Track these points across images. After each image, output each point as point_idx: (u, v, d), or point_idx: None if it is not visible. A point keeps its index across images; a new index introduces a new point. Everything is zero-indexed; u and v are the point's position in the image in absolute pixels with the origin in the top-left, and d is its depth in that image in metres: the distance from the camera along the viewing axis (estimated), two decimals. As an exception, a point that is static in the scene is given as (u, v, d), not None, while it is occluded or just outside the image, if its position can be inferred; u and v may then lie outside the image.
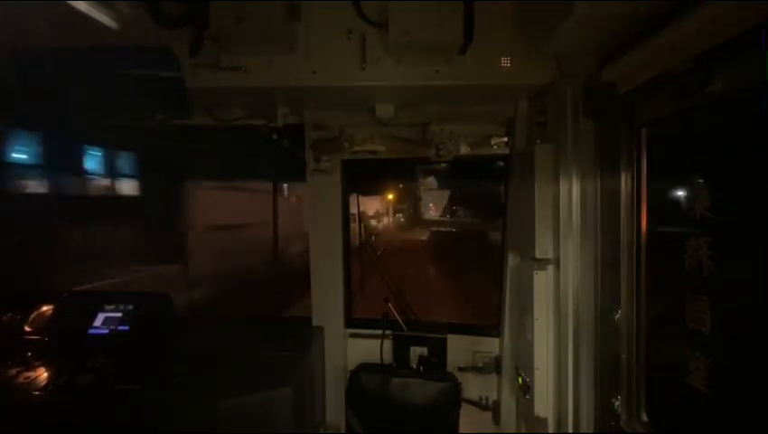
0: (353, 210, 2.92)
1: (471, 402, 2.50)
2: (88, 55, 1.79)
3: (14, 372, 1.98)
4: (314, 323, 2.51)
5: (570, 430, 1.80)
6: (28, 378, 1.93)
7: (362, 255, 3.52)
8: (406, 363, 2.52)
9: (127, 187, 7.37)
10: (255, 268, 7.50)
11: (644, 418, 1.53)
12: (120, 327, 2.28)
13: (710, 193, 1.18)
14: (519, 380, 2.11)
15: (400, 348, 2.54)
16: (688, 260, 1.25)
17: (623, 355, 1.58)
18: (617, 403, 1.61)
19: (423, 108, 2.27)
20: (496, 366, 2.46)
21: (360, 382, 2.41)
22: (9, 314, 2.36)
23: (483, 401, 2.51)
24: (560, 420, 1.87)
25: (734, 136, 1.16)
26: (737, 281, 1.16)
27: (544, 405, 1.92)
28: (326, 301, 2.51)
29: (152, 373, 1.95)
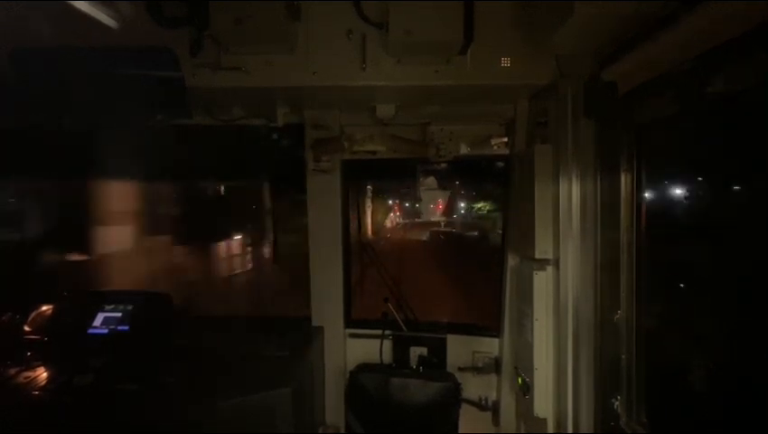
0: (353, 209, 2.92)
1: (470, 402, 2.50)
2: (88, 55, 1.79)
3: (13, 371, 1.98)
4: (314, 323, 2.51)
5: (570, 431, 1.80)
6: (28, 378, 1.93)
7: (362, 255, 3.51)
8: (405, 363, 2.52)
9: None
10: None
11: (644, 418, 1.53)
12: (120, 327, 2.28)
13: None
14: (519, 380, 2.11)
15: (400, 348, 2.54)
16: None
17: (623, 356, 1.58)
18: (617, 404, 1.61)
19: (423, 108, 2.27)
20: (496, 366, 2.46)
21: (360, 382, 2.41)
22: (9, 313, 2.36)
23: (483, 402, 2.51)
24: (560, 421, 1.87)
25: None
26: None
27: (544, 405, 1.92)
28: (326, 301, 2.51)
29: (151, 373, 1.95)
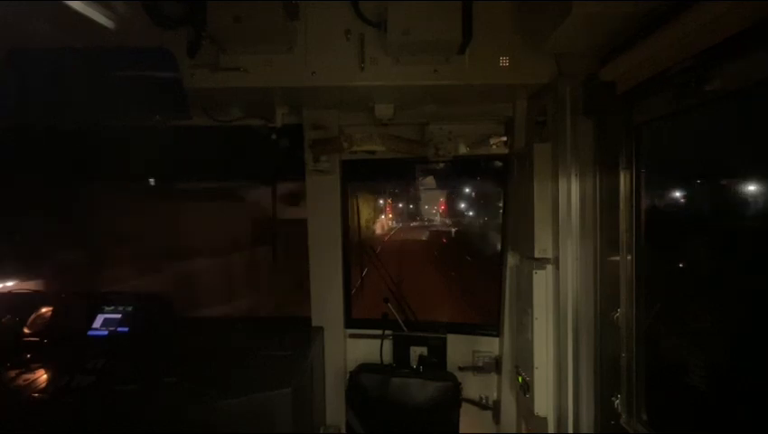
0: (352, 209, 2.92)
1: (471, 402, 2.50)
2: (85, 55, 1.78)
3: (13, 373, 1.97)
4: (314, 323, 2.51)
5: (570, 429, 1.80)
6: (27, 380, 1.93)
7: (361, 255, 3.51)
8: (406, 362, 2.52)
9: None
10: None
11: (644, 416, 1.53)
12: (120, 329, 2.28)
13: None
14: (519, 379, 2.11)
15: (400, 348, 2.54)
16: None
17: (623, 354, 1.59)
18: (617, 402, 1.61)
19: (422, 107, 2.27)
20: (496, 366, 2.46)
21: (360, 382, 2.41)
22: (9, 315, 2.36)
23: (483, 401, 2.51)
24: (560, 419, 1.87)
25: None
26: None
27: (544, 404, 1.92)
28: (326, 301, 2.51)
29: (151, 374, 1.95)
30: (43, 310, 2.41)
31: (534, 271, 1.92)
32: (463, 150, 2.36)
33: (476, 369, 2.48)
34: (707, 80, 1.15)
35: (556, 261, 1.86)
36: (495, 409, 2.48)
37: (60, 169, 3.00)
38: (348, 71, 1.86)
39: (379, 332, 2.54)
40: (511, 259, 2.32)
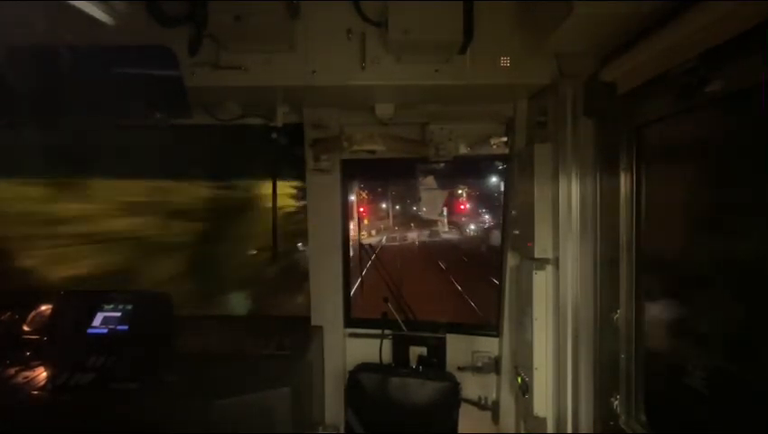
0: (352, 209, 2.91)
1: (470, 402, 2.50)
2: (86, 54, 1.78)
3: (12, 371, 1.97)
4: (313, 322, 2.51)
5: (569, 430, 1.80)
6: (27, 377, 1.93)
7: (361, 254, 3.52)
8: (405, 362, 2.51)
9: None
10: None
11: (643, 417, 1.53)
12: (119, 327, 2.28)
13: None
14: (519, 379, 2.11)
15: (399, 348, 2.53)
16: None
17: (622, 355, 1.59)
18: (616, 403, 1.61)
19: (422, 107, 2.27)
20: (495, 366, 2.46)
21: (360, 381, 2.41)
22: (8, 313, 2.36)
23: (483, 401, 2.51)
24: (559, 420, 1.87)
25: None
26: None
27: (543, 405, 1.92)
28: (325, 301, 2.51)
29: (151, 373, 1.95)
30: (43, 308, 2.41)
31: (534, 271, 1.92)
32: (463, 150, 2.36)
33: (475, 369, 2.48)
34: (709, 81, 1.15)
35: (556, 262, 1.86)
36: (494, 409, 2.48)
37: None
38: (349, 71, 1.86)
39: (378, 331, 2.54)
40: (511, 260, 2.32)
